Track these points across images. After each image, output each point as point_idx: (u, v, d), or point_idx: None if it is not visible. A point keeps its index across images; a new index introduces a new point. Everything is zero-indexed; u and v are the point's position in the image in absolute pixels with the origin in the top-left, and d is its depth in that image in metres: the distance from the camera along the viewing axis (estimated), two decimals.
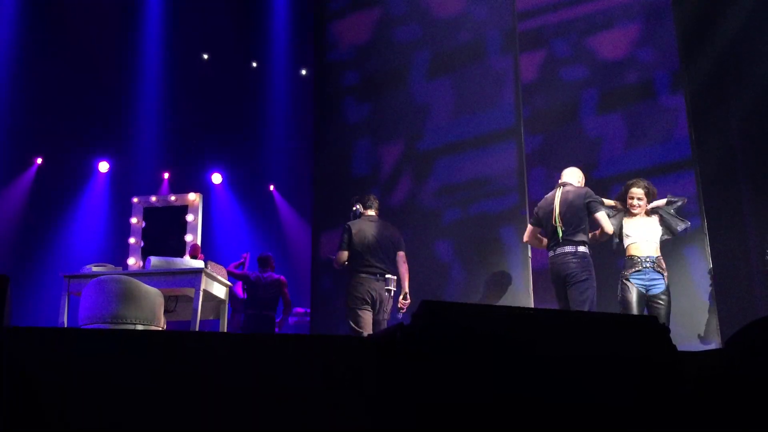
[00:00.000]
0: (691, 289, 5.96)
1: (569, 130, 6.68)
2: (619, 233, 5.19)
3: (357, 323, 5.28)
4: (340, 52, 7.62)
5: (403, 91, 7.12)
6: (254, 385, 1.46)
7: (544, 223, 5.19)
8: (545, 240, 5.27)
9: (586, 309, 4.84)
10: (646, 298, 4.99)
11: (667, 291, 4.97)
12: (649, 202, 5.25)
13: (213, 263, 4.96)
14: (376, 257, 5.41)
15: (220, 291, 4.88)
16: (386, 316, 5.43)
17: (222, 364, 1.51)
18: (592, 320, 1.88)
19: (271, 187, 10.23)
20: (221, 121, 9.67)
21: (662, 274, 4.99)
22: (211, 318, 5.09)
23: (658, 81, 6.61)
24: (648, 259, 5.01)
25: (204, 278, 4.52)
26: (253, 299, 7.38)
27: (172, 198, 6.64)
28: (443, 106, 6.94)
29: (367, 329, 5.26)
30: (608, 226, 5.03)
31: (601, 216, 5.02)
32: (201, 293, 4.46)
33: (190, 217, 6.49)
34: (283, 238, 9.87)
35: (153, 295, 4.06)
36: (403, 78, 7.16)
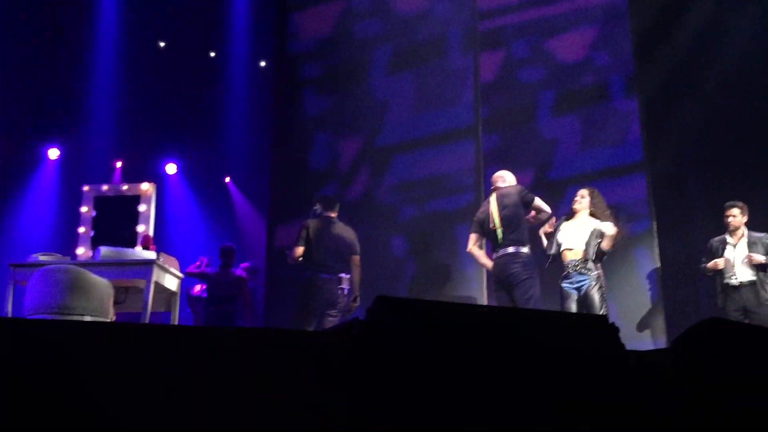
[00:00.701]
0: (639, 290, 6.10)
1: (526, 130, 6.76)
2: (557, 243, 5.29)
3: (305, 322, 5.28)
4: (301, 44, 7.58)
5: (364, 85, 7.11)
6: (204, 379, 1.44)
7: (485, 229, 5.23)
8: (483, 255, 5.28)
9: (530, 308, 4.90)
10: (580, 299, 5.10)
11: (597, 285, 5.05)
12: (591, 203, 5.32)
13: (165, 255, 4.87)
14: (330, 256, 5.40)
15: (172, 283, 4.80)
16: (338, 315, 5.43)
17: (173, 357, 1.49)
18: (543, 318, 1.90)
19: (227, 179, 10.11)
20: (177, 111, 9.50)
21: (587, 274, 5.08)
22: (163, 310, 5.01)
23: (613, 85, 6.73)
24: (571, 264, 5.13)
25: (156, 270, 4.44)
26: (213, 297, 7.15)
27: (125, 187, 6.50)
28: (403, 102, 6.96)
29: (313, 328, 5.26)
30: (547, 208, 5.14)
31: (538, 201, 5.12)
32: (152, 285, 4.38)
33: (142, 208, 6.36)
34: (238, 230, 9.77)
35: (102, 286, 3.97)
36: (363, 72, 7.15)
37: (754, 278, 5.44)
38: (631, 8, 6.73)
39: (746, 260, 5.46)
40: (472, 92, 6.78)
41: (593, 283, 5.04)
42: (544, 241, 5.38)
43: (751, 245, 5.50)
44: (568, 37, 6.86)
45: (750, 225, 5.69)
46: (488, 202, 5.30)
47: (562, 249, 5.23)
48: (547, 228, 5.37)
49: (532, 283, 5.00)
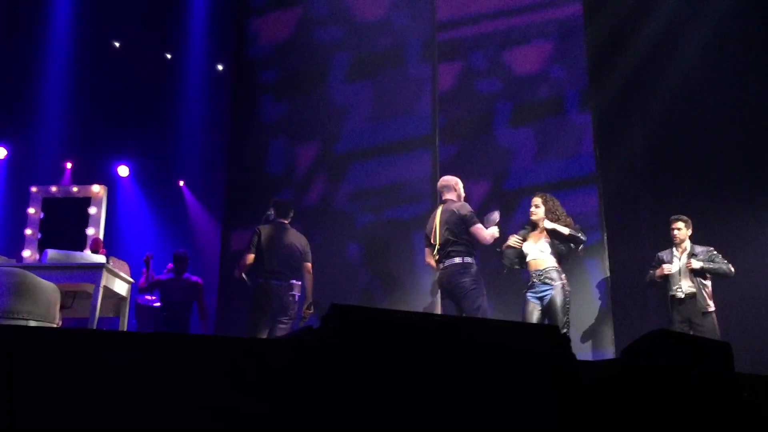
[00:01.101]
0: (589, 300, 6.19)
1: (482, 140, 6.82)
2: (521, 254, 5.35)
3: (256, 329, 5.24)
4: (259, 49, 7.53)
5: (322, 92, 7.10)
6: (153, 386, 1.41)
7: (431, 242, 5.29)
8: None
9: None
10: (543, 309, 5.15)
11: (560, 295, 5.11)
12: (548, 212, 5.38)
13: (115, 259, 4.77)
14: (282, 263, 5.38)
15: (121, 288, 4.70)
16: (290, 321, 5.39)
17: (119, 363, 1.45)
18: (495, 327, 1.91)
19: (181, 183, 9.96)
20: (130, 113, 9.32)
21: (550, 284, 5.15)
22: (111, 315, 4.90)
23: (567, 98, 6.84)
24: (536, 274, 5.20)
25: (105, 274, 4.34)
26: (167, 303, 6.96)
27: (74, 189, 6.34)
28: (361, 110, 6.96)
29: (263, 335, 5.21)
30: (484, 238, 5.16)
31: (476, 229, 5.14)
32: (101, 290, 4.28)
33: (92, 210, 6.21)
34: (192, 235, 9.63)
35: (49, 289, 3.85)
36: (322, 79, 7.14)
37: (695, 290, 5.60)
38: (586, 23, 6.87)
39: (685, 267, 5.62)
40: (430, 102, 6.83)
41: (557, 293, 5.10)
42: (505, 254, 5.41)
43: (693, 256, 5.67)
44: (525, 50, 6.96)
45: (697, 238, 5.85)
46: (434, 216, 5.35)
47: (527, 260, 5.29)
48: (510, 242, 5.40)
49: (479, 293, 5.05)
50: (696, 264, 5.59)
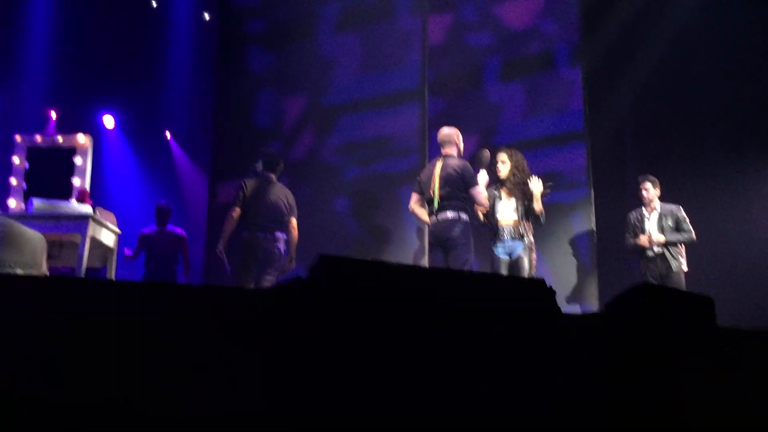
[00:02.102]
0: (574, 255, 6.26)
1: (472, 95, 6.79)
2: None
3: (244, 281, 5.27)
4: None
5: (310, 44, 7.00)
6: (144, 336, 1.42)
7: (424, 191, 5.28)
8: (424, 213, 5.34)
9: None
10: (511, 264, 5.24)
11: (528, 251, 5.23)
12: (513, 168, 5.40)
13: (102, 209, 4.75)
14: (267, 216, 5.38)
15: (108, 238, 4.68)
16: (275, 273, 5.42)
17: (108, 312, 1.46)
18: (482, 279, 1.93)
19: (168, 134, 9.86)
20: (116, 61, 9.14)
21: (520, 240, 5.21)
22: (99, 266, 4.90)
23: (558, 53, 6.80)
24: (505, 230, 5.26)
25: (91, 224, 4.33)
26: (153, 256, 6.92)
27: (59, 138, 6.27)
28: (349, 62, 6.88)
29: (252, 286, 5.25)
30: (482, 201, 5.19)
31: (473, 191, 5.16)
32: (88, 240, 4.27)
33: (78, 160, 6.15)
34: (179, 186, 9.57)
35: (35, 238, 3.84)
36: (310, 30, 7.03)
37: (663, 250, 5.68)
38: None
39: (655, 228, 5.68)
40: (420, 55, 6.76)
41: (524, 249, 5.20)
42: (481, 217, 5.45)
43: (663, 217, 5.72)
44: (515, 3, 6.87)
45: (684, 197, 5.90)
46: (433, 166, 5.33)
47: (497, 216, 5.34)
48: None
49: (468, 249, 5.10)
50: (660, 237, 5.63)
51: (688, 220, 5.72)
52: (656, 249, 5.70)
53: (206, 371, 1.36)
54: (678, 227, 5.69)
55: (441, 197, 5.13)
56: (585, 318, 2.00)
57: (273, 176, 5.58)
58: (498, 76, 6.81)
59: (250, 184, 5.47)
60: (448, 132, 5.42)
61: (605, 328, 1.67)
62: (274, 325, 1.39)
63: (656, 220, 5.75)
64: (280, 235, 5.42)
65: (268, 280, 5.34)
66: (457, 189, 5.13)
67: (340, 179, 6.66)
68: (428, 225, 5.39)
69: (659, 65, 6.95)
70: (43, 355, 1.34)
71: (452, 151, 5.35)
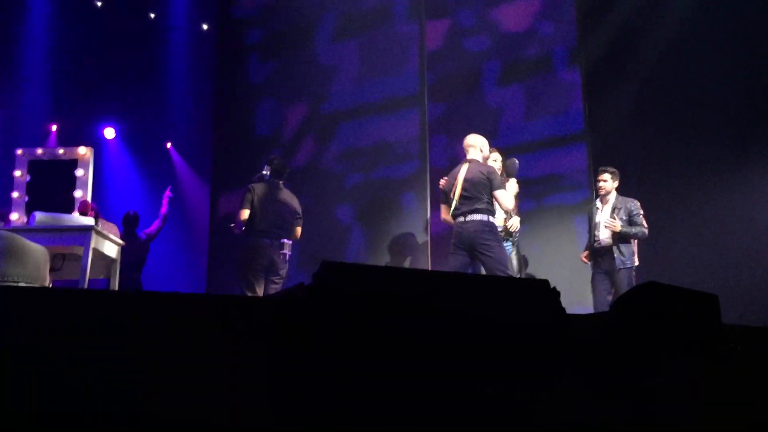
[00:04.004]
0: (576, 256, 6.24)
1: (471, 99, 6.79)
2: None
3: (250, 288, 5.26)
4: (245, 8, 7.41)
5: (309, 51, 7.01)
6: (150, 345, 1.42)
7: (448, 196, 5.28)
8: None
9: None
10: None
11: (516, 250, 5.33)
12: (504, 167, 5.57)
13: (104, 221, 4.76)
14: (274, 222, 5.37)
15: (111, 250, 4.69)
16: (281, 280, 5.42)
17: (112, 322, 1.46)
18: (487, 282, 1.93)
19: (168, 145, 9.87)
20: (115, 73, 9.17)
21: (509, 239, 5.37)
22: (102, 277, 4.90)
23: (556, 55, 6.80)
24: (499, 229, 5.34)
25: (94, 236, 4.33)
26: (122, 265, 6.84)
27: (60, 151, 6.27)
28: (348, 69, 6.89)
29: (259, 293, 5.24)
30: (506, 203, 5.19)
31: (499, 193, 5.15)
32: (90, 252, 4.27)
33: (80, 172, 6.15)
34: (180, 197, 9.56)
35: (38, 252, 3.82)
36: (308, 38, 7.05)
37: (611, 242, 5.60)
38: None
39: (607, 224, 5.62)
40: (418, 60, 6.76)
41: (514, 248, 5.30)
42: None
43: (615, 210, 5.65)
44: (512, 6, 6.89)
45: (683, 196, 5.89)
46: (458, 170, 5.32)
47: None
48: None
49: (501, 247, 5.11)
50: (615, 225, 5.56)
51: (642, 214, 5.62)
52: (603, 242, 5.62)
53: (211, 378, 1.36)
54: (630, 221, 5.61)
55: (463, 199, 5.12)
56: (592, 318, 2.00)
57: (281, 183, 5.59)
58: (497, 79, 6.82)
59: (257, 188, 5.47)
60: (474, 138, 5.43)
61: (613, 327, 1.66)
62: (278, 333, 1.39)
63: (608, 212, 5.68)
64: (286, 241, 5.41)
65: (274, 288, 5.34)
66: (482, 191, 5.12)
67: (341, 186, 6.66)
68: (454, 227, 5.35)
69: (658, 65, 6.95)
70: (47, 364, 1.34)
71: (477, 156, 5.35)
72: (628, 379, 1.52)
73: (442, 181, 5.46)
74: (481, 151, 5.39)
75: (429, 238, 6.25)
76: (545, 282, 1.71)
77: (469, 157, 5.36)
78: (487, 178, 5.15)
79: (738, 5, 6.73)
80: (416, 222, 6.35)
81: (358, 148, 6.70)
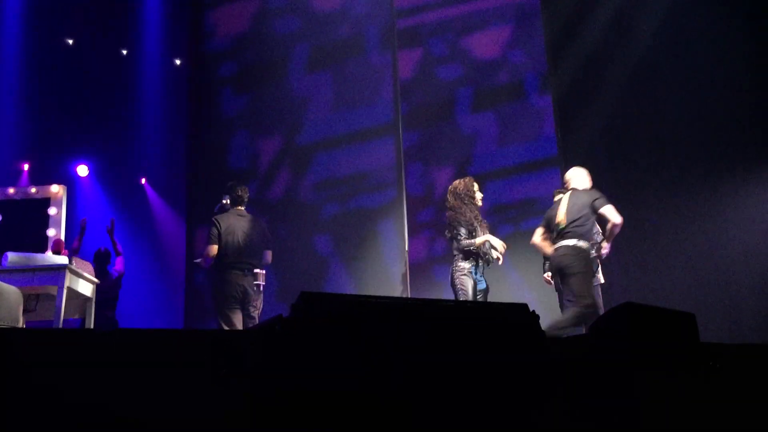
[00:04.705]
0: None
1: (445, 127, 6.86)
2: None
3: (227, 322, 5.18)
4: (217, 42, 7.44)
5: (282, 83, 7.05)
6: (130, 382, 1.39)
7: (551, 223, 5.29)
8: (547, 245, 5.33)
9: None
10: (481, 290, 5.35)
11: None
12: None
13: (78, 259, 4.69)
14: (245, 253, 5.30)
15: (86, 288, 4.62)
16: (257, 312, 5.35)
17: (90, 360, 1.43)
18: (464, 308, 1.93)
19: (143, 180, 9.81)
20: (88, 111, 9.10)
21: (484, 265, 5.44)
22: (76, 317, 4.81)
23: (528, 82, 6.91)
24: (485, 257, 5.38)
25: (68, 275, 4.27)
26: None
27: (33, 190, 6.21)
28: (322, 101, 6.93)
29: (237, 326, 5.16)
30: (615, 218, 5.16)
31: (607, 210, 5.13)
32: (65, 291, 4.21)
33: (52, 211, 6.09)
34: (155, 233, 9.48)
35: (11, 293, 3.77)
36: (281, 71, 7.09)
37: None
38: (543, 6, 6.93)
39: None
40: (392, 90, 6.83)
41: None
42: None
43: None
44: (484, 35, 6.99)
45: (655, 217, 5.95)
46: (561, 202, 5.33)
47: (484, 242, 5.41)
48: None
49: (586, 276, 5.01)
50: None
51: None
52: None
53: (188, 414, 1.34)
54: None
55: (564, 225, 5.12)
56: (570, 341, 2.00)
57: (243, 209, 5.49)
58: (470, 107, 6.90)
59: (222, 220, 5.37)
60: (577, 171, 5.43)
61: (590, 349, 1.66)
62: (258, 366, 1.38)
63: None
64: (258, 271, 5.35)
65: (250, 321, 5.27)
66: (579, 215, 5.10)
67: (318, 217, 6.65)
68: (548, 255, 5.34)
69: (627, 87, 7.07)
70: (22, 404, 1.31)
71: (579, 186, 5.34)
72: (608, 401, 1.52)
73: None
74: (584, 179, 5.39)
75: (407, 267, 6.25)
76: (524, 306, 1.72)
77: (570, 186, 5.33)
78: (589, 199, 5.13)
79: (700, 29, 6.89)
80: (394, 250, 6.36)
81: (334, 178, 6.72)
